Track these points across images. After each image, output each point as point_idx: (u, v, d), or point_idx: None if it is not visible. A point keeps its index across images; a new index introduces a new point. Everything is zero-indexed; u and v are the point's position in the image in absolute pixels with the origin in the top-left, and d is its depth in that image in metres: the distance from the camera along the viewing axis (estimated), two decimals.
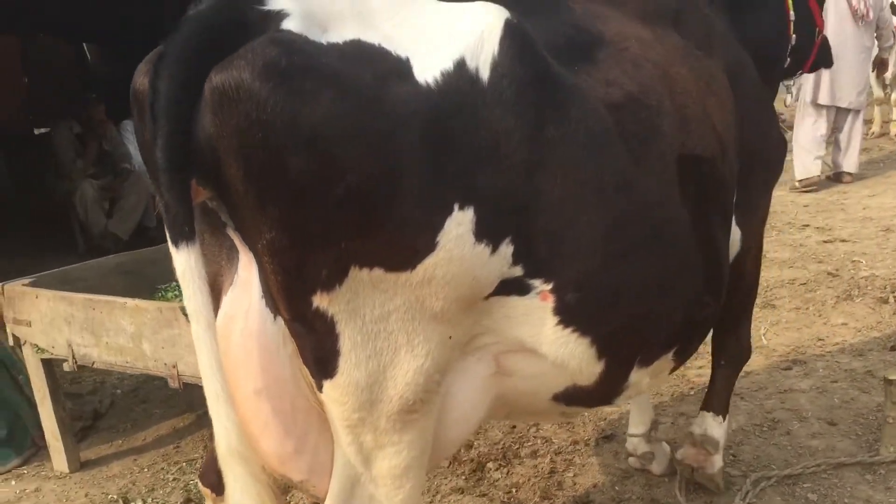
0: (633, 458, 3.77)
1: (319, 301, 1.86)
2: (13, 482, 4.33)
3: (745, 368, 4.62)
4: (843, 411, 4.18)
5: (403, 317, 1.93)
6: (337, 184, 1.75)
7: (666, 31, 2.64)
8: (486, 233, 1.93)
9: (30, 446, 4.58)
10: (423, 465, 2.17)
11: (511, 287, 2.06)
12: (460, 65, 1.88)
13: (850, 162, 9.40)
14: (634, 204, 2.19)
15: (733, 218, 2.85)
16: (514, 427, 4.32)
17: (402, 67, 1.83)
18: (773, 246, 7.18)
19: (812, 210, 8.36)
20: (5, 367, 4.56)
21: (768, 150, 3.06)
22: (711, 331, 3.37)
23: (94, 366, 3.95)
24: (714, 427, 3.45)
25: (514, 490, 3.73)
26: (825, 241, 7.19)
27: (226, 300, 2.10)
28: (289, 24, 1.77)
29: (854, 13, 8.90)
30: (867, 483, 3.54)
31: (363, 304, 1.89)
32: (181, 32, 1.75)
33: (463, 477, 3.87)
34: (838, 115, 9.30)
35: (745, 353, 3.55)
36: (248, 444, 1.94)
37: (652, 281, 2.28)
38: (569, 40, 2.31)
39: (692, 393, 4.55)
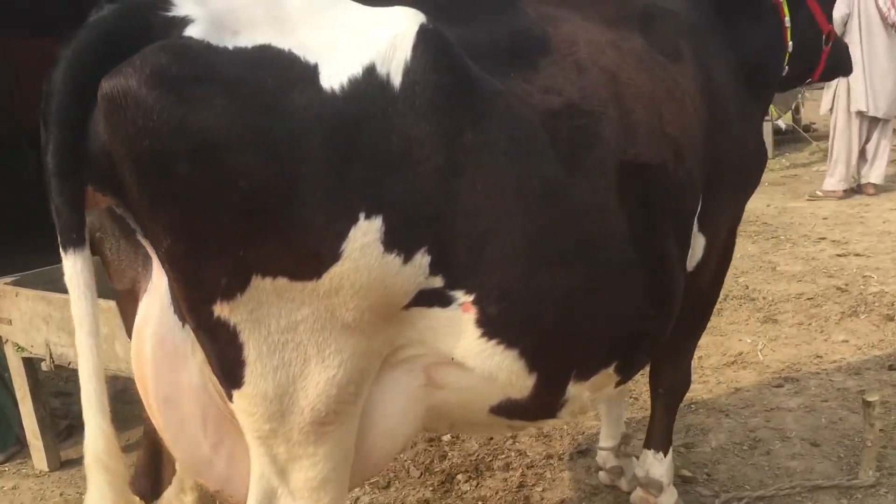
0: (602, 472, 3.70)
1: (220, 310, 1.82)
2: None
3: (735, 384, 4.59)
4: (828, 432, 4.06)
5: (312, 327, 1.88)
6: (229, 191, 1.72)
7: (628, 37, 2.56)
8: (397, 242, 1.87)
9: (14, 444, 4.63)
10: (342, 477, 2.13)
11: (432, 298, 2.01)
12: (370, 71, 1.84)
13: (876, 173, 9.16)
14: (563, 212, 2.12)
15: (695, 226, 2.78)
16: (491, 439, 4.26)
17: (308, 74, 1.79)
18: (785, 259, 7.04)
19: (830, 223, 8.16)
20: None
21: (743, 160, 2.93)
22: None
23: (70, 366, 3.96)
24: (655, 466, 3.30)
25: (480, 502, 3.67)
26: (839, 255, 7.01)
27: (140, 306, 2.10)
28: (192, 31, 1.74)
29: (884, 20, 8.68)
30: None
31: (268, 314, 1.85)
32: (78, 38, 1.74)
33: (431, 488, 3.83)
34: (870, 125, 9.07)
35: (681, 382, 3.34)
36: (112, 455, 1.88)
37: (583, 292, 2.20)
38: (509, 46, 2.25)
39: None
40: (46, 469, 4.34)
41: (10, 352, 4.27)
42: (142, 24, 1.76)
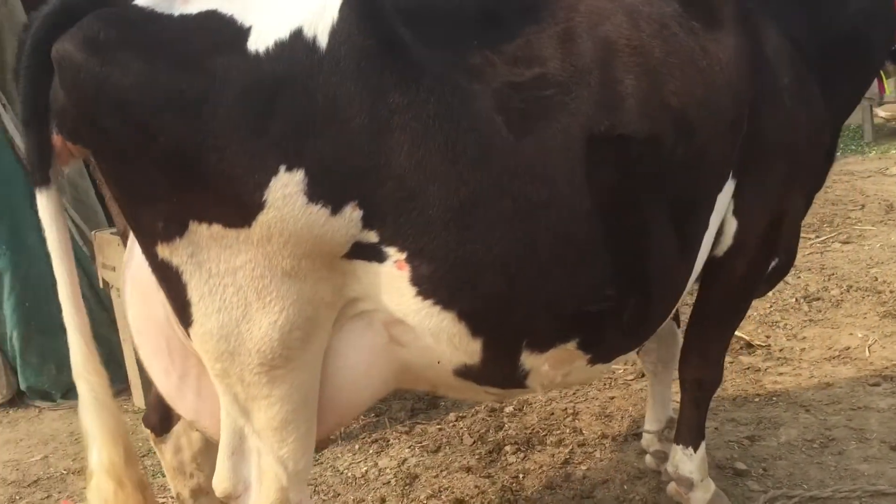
0: (648, 456, 3.58)
1: (162, 251, 2.03)
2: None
3: (828, 379, 4.32)
4: None
5: (252, 273, 2.03)
6: (151, 145, 1.91)
7: (658, 1, 2.46)
8: (321, 194, 1.99)
9: (122, 381, 5.03)
10: (306, 420, 2.24)
11: (370, 253, 2.10)
12: (297, 34, 1.96)
13: None
14: (502, 179, 2.11)
15: (731, 206, 2.63)
16: (553, 413, 4.22)
17: (237, 37, 1.95)
18: None
19: None
20: (104, 308, 5.03)
21: (796, 144, 2.69)
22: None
23: None
24: (684, 462, 3.14)
25: (520, 476, 3.66)
26: None
27: (128, 248, 2.31)
28: (140, 0, 1.96)
29: None
30: None
31: (207, 259, 2.02)
32: (45, 8, 1.99)
33: (477, 457, 3.85)
34: None
35: (711, 375, 3.11)
36: (91, 369, 2.18)
37: (525, 261, 2.18)
38: (490, 14, 2.26)
39: (756, 399, 4.23)
40: (143, 406, 4.70)
41: (114, 296, 4.64)
42: None
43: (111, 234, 4.55)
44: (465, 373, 2.35)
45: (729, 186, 2.59)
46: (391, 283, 2.15)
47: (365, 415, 4.39)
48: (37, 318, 4.85)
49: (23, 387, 4.92)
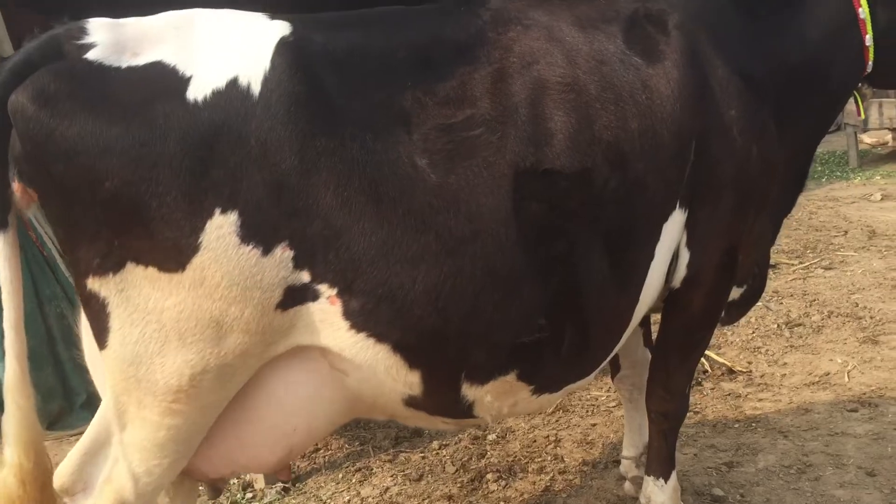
0: (627, 482, 3.62)
1: (92, 283, 2.15)
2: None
3: (804, 405, 4.37)
4: (891, 462, 3.78)
5: (178, 315, 2.14)
6: (97, 189, 2.05)
7: (600, 38, 2.52)
8: (253, 235, 2.10)
9: None
10: (176, 453, 2.33)
11: (303, 294, 2.20)
12: (233, 82, 2.11)
13: None
14: (427, 217, 2.20)
15: (683, 238, 2.67)
16: (535, 441, 4.26)
17: (178, 86, 2.09)
18: None
19: None
20: None
21: (747, 175, 2.71)
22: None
23: None
24: (656, 493, 3.18)
25: (502, 503, 3.69)
26: None
27: None
28: (90, 54, 2.10)
29: None
30: None
31: (137, 295, 2.14)
32: (8, 63, 2.13)
33: (459, 485, 3.88)
34: None
35: (675, 406, 3.11)
36: (21, 392, 2.31)
37: (453, 294, 2.25)
38: (425, 56, 2.36)
39: (735, 426, 4.28)
40: None
41: None
42: (56, 51, 2.13)
43: None
44: (412, 403, 2.43)
45: (678, 217, 2.62)
46: (325, 318, 2.23)
47: (349, 443, 4.43)
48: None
49: None
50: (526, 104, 2.33)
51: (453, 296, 2.26)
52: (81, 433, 4.77)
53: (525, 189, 2.29)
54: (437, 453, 4.23)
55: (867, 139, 13.25)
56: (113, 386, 2.26)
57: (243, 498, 4.01)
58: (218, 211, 2.08)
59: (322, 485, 4.04)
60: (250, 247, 2.12)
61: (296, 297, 2.21)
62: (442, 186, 2.22)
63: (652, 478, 3.20)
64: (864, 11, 2.90)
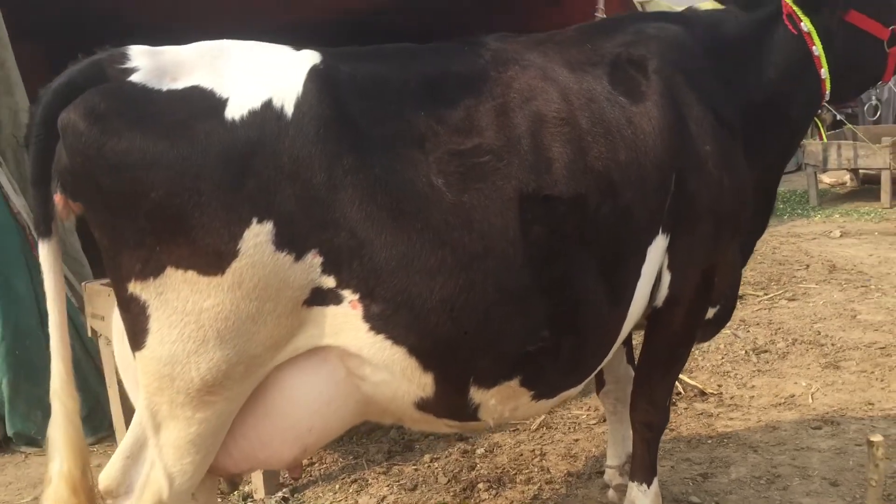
0: (611, 490, 3.88)
1: (133, 287, 2.35)
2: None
3: (772, 423, 4.66)
4: (852, 474, 4.08)
5: (217, 315, 2.35)
6: (144, 199, 2.27)
7: (588, 79, 2.82)
8: (287, 243, 2.34)
9: (106, 429, 5.21)
10: (206, 448, 2.54)
11: (328, 297, 2.44)
12: (268, 104, 2.35)
13: None
14: (442, 232, 2.45)
15: (665, 260, 2.96)
16: (521, 454, 4.50)
17: (217, 107, 2.33)
18: (868, 308, 6.90)
19: None
20: (91, 357, 5.23)
21: (722, 204, 3.02)
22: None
23: None
24: (640, 498, 3.45)
25: None
26: None
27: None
28: (134, 77, 2.35)
29: None
30: None
31: (176, 298, 2.34)
32: (52, 83, 2.37)
33: (452, 493, 4.11)
34: None
35: (657, 417, 3.39)
36: (66, 393, 2.51)
37: (465, 305, 2.49)
38: (437, 88, 2.63)
39: (708, 441, 4.56)
40: None
41: (102, 345, 4.85)
42: (99, 74, 2.37)
43: (101, 285, 4.79)
44: (422, 406, 2.65)
45: (661, 241, 2.91)
46: (347, 321, 2.46)
47: (343, 457, 4.63)
48: (25, 367, 5.02)
49: (10, 432, 5.06)
50: (527, 135, 2.61)
51: (466, 306, 2.50)
52: None
53: (529, 212, 2.55)
54: (429, 465, 4.46)
55: (826, 179, 13.81)
56: (146, 386, 2.45)
57: None
58: (255, 220, 2.31)
59: (320, 494, 4.24)
60: (284, 253, 2.35)
61: (321, 298, 2.44)
62: (456, 205, 2.48)
63: (636, 483, 3.46)
64: (817, 49, 3.28)
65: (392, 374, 2.56)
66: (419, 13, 8.84)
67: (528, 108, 2.65)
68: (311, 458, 4.59)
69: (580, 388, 3.00)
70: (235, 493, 4.28)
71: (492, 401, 2.70)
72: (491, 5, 8.79)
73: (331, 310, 2.47)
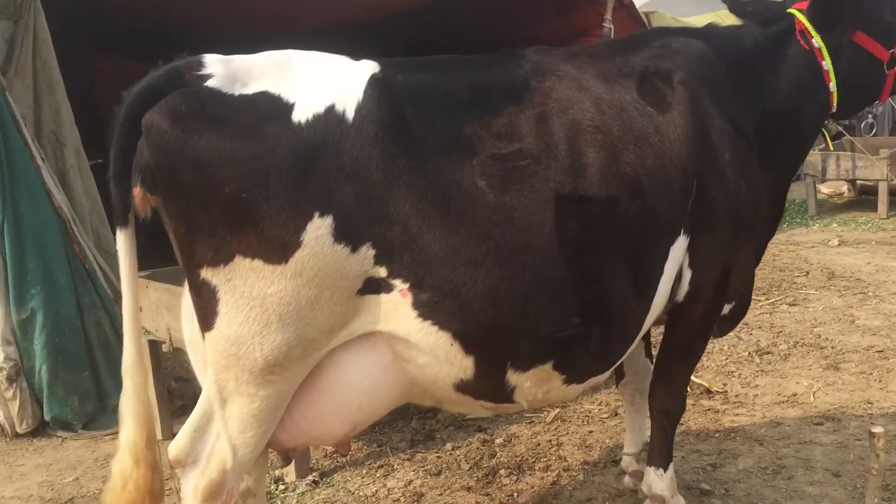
0: (627, 476, 4.12)
1: (205, 273, 2.59)
2: (117, 441, 5.17)
3: (776, 419, 4.90)
4: (853, 466, 4.32)
5: (279, 301, 2.58)
6: (218, 193, 2.50)
7: (619, 90, 3.06)
8: (345, 236, 2.57)
9: None
10: (267, 423, 2.76)
11: (380, 285, 2.67)
12: (331, 108, 2.58)
13: None
14: (486, 228, 2.68)
15: (686, 259, 3.20)
16: (539, 444, 4.74)
17: (284, 110, 2.56)
18: (867, 314, 7.17)
19: None
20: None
21: (739, 208, 3.26)
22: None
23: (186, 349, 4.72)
24: (656, 481, 3.69)
25: (515, 494, 4.17)
26: None
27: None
28: (210, 83, 2.58)
29: None
30: None
31: (243, 284, 2.57)
32: (135, 87, 2.62)
33: (475, 479, 4.35)
34: None
35: (675, 405, 3.63)
36: (137, 369, 2.74)
37: (506, 294, 2.72)
38: (481, 96, 2.87)
39: (716, 435, 4.80)
40: (160, 437, 5.10)
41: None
42: (178, 79, 2.60)
43: (139, 277, 5.02)
44: (462, 387, 2.88)
45: (683, 241, 3.15)
46: (396, 308, 2.69)
47: (367, 445, 4.86)
48: (64, 354, 5.25)
49: (47, 417, 5.28)
50: (564, 142, 2.85)
51: (507, 295, 2.73)
52: (114, 433, 5.19)
53: (564, 211, 2.79)
54: (452, 453, 4.69)
55: (825, 189, 14.10)
56: (214, 364, 2.67)
57: (276, 489, 4.42)
58: (317, 214, 2.54)
59: (349, 479, 4.47)
60: (342, 245, 2.57)
61: (374, 287, 2.67)
62: (499, 204, 2.71)
63: (653, 468, 3.71)
64: (826, 63, 3.55)
65: (436, 357, 2.78)
66: (430, 27, 9.09)
67: (566, 117, 2.89)
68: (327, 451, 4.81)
69: (606, 375, 3.25)
70: (267, 476, 4.50)
71: (527, 383, 2.93)
72: (502, 18, 9.03)
73: (382, 298, 2.69)
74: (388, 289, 2.68)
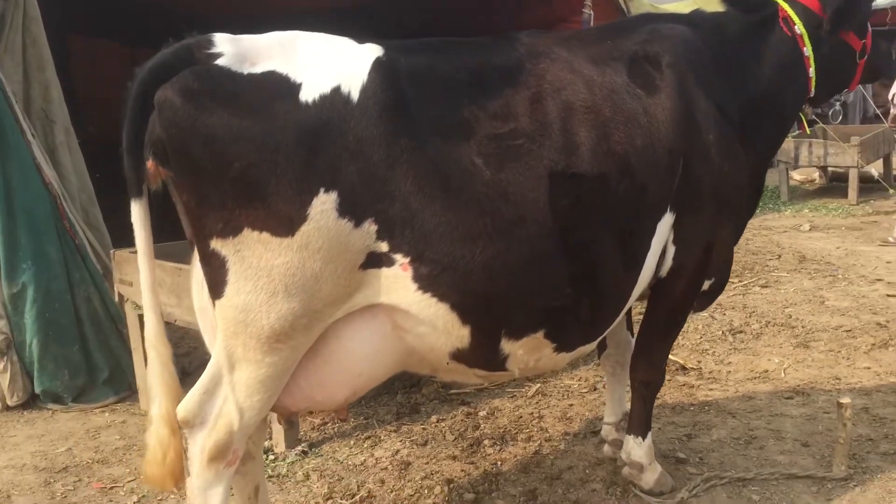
0: (606, 445, 4.29)
1: (215, 244, 2.70)
2: (107, 414, 5.32)
3: (748, 393, 5.10)
4: (821, 437, 4.52)
5: (286, 272, 2.69)
6: (229, 168, 2.60)
7: (609, 73, 3.20)
8: (349, 211, 2.68)
9: (126, 389, 5.55)
10: (272, 388, 2.88)
11: (382, 259, 2.79)
12: (337, 89, 2.69)
13: None
14: (483, 204, 2.80)
15: (671, 236, 3.36)
16: (521, 417, 4.90)
17: (292, 90, 2.66)
18: (836, 295, 7.40)
19: (892, 267, 8.40)
20: (113, 321, 5.54)
21: (722, 188, 3.43)
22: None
23: (176, 323, 4.80)
24: (635, 449, 3.88)
25: (499, 462, 4.32)
26: (889, 296, 7.32)
27: (194, 254, 2.98)
28: (220, 61, 2.67)
29: None
30: (811, 494, 3.92)
31: (251, 255, 2.69)
32: (148, 63, 2.70)
33: (460, 448, 4.50)
34: None
35: (656, 377, 3.82)
36: (160, 341, 2.83)
37: (502, 266, 2.85)
38: (478, 77, 2.98)
39: (691, 408, 4.99)
40: (143, 409, 5.20)
41: (128, 309, 5.19)
42: (189, 57, 2.69)
43: (130, 252, 5.10)
44: (457, 356, 3.01)
45: (668, 219, 3.32)
46: (398, 281, 2.81)
47: (354, 418, 5.00)
48: (54, 329, 5.32)
49: (37, 390, 5.35)
50: (557, 121, 2.98)
51: (503, 267, 2.87)
52: (104, 406, 5.28)
53: (558, 188, 2.93)
54: (437, 425, 4.84)
55: (797, 176, 14.39)
56: (224, 330, 2.79)
57: (266, 459, 4.54)
58: (322, 190, 2.64)
59: (337, 449, 4.61)
60: (346, 220, 2.68)
61: (376, 261, 2.78)
62: (495, 181, 2.84)
63: (632, 436, 3.88)
64: (808, 50, 3.73)
65: (434, 327, 2.91)
66: (412, 12, 9.17)
67: (559, 97, 3.02)
68: (324, 418, 4.95)
69: (593, 345, 3.40)
70: None
71: (520, 351, 3.08)
72: (485, 3, 9.13)
73: (384, 271, 2.81)
74: (390, 263, 2.79)
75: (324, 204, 2.65)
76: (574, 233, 2.98)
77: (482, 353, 3.05)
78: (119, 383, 5.54)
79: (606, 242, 3.08)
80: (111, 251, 5.28)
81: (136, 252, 4.99)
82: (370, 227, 2.72)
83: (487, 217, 2.83)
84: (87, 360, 5.46)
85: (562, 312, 3.07)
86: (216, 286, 2.75)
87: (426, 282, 2.82)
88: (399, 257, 2.79)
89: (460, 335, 2.94)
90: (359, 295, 2.84)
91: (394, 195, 2.72)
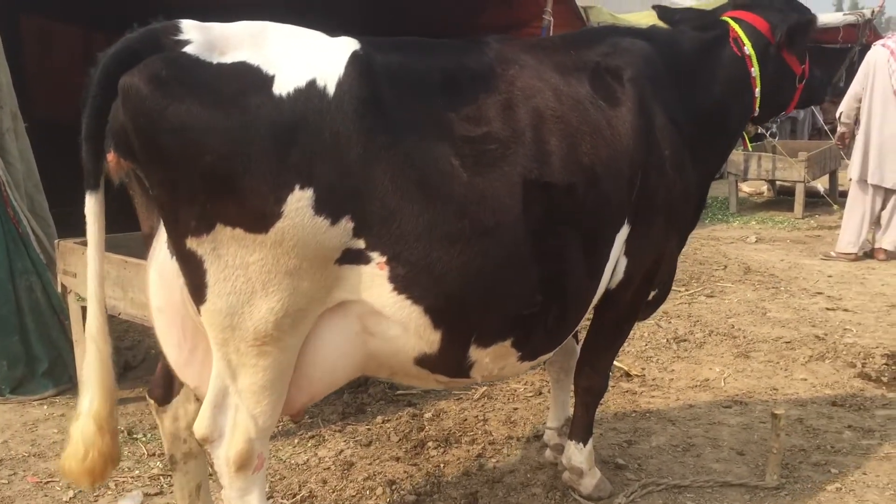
0: (548, 450, 4.34)
1: (190, 243, 2.61)
2: (45, 407, 5.23)
3: (689, 401, 5.20)
4: (756, 446, 4.63)
5: (261, 269, 2.62)
6: (199, 160, 2.50)
7: (575, 83, 3.23)
8: (325, 208, 2.61)
9: (66, 381, 5.45)
10: (278, 389, 2.83)
11: (357, 257, 2.74)
12: (312, 83, 2.61)
13: (888, 240, 9.53)
14: (459, 208, 2.78)
15: (623, 248, 3.41)
16: (466, 419, 4.94)
17: (265, 82, 2.57)
18: (777, 307, 7.56)
19: (833, 281, 8.63)
20: (55, 312, 5.45)
21: (672, 201, 3.50)
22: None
23: (120, 316, 4.73)
24: (576, 454, 3.92)
25: (442, 465, 4.35)
26: (828, 309, 7.51)
27: (153, 244, 2.93)
28: (188, 49, 2.56)
29: None
30: (744, 502, 4.01)
31: (226, 253, 2.61)
32: (111, 49, 2.58)
33: (404, 450, 4.52)
34: (886, 194, 9.49)
35: (599, 383, 3.84)
36: (102, 336, 2.71)
37: (476, 271, 2.83)
38: (452, 79, 2.97)
39: (632, 415, 5.07)
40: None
41: (71, 301, 5.10)
42: (155, 43, 2.55)
43: (75, 243, 5.02)
44: (422, 361, 2.98)
45: (625, 230, 3.38)
46: (373, 280, 2.76)
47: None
48: None
49: None
50: (529, 129, 2.98)
51: (479, 272, 2.84)
52: (43, 398, 5.20)
53: (530, 195, 2.93)
54: (382, 426, 4.86)
55: (746, 188, 14.68)
56: (214, 338, 2.71)
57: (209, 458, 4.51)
58: (297, 187, 2.53)
59: (280, 448, 4.59)
60: (321, 217, 2.60)
61: (352, 257, 2.72)
62: (472, 184, 2.82)
63: (573, 442, 3.93)
64: (755, 70, 3.83)
65: (406, 330, 2.86)
66: (373, 8, 9.16)
67: (529, 104, 3.02)
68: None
69: (552, 354, 3.44)
70: None
71: (486, 359, 3.07)
72: (445, 2, 9.16)
73: (360, 268, 2.74)
74: (367, 260, 2.73)
75: (299, 201, 2.56)
76: (546, 239, 2.99)
77: (449, 359, 3.02)
78: (59, 376, 5.44)
79: (575, 251, 3.11)
80: (56, 241, 5.19)
81: (81, 243, 5.03)
82: (347, 224, 2.64)
83: (465, 219, 2.80)
84: (27, 350, 5.35)
85: (531, 320, 3.07)
86: (197, 290, 2.66)
87: (402, 283, 2.77)
88: (376, 255, 2.73)
89: (431, 340, 2.91)
90: (337, 291, 2.77)
91: (371, 193, 2.66)
